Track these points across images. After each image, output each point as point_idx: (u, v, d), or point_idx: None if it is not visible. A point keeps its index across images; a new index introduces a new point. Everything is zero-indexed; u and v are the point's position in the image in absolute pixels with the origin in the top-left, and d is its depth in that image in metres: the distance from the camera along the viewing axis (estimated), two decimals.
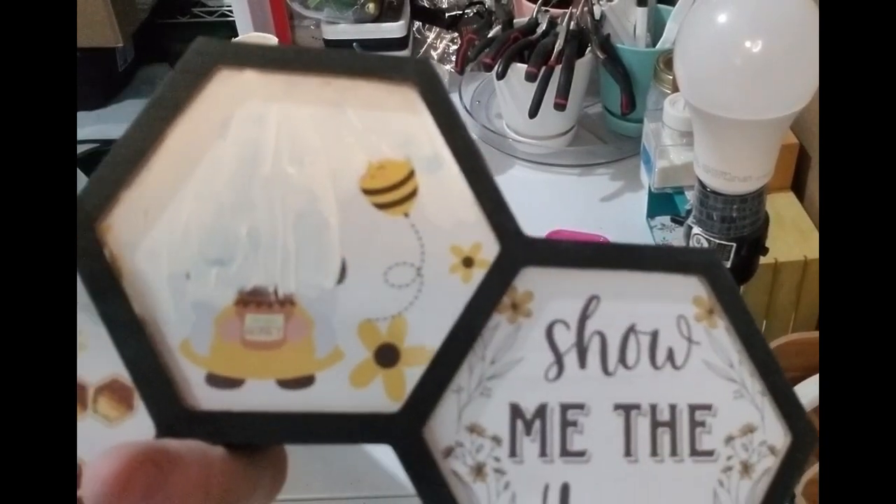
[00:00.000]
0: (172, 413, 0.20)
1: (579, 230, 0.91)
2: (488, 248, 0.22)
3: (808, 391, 0.52)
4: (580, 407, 0.22)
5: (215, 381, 0.21)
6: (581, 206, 1.01)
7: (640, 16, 1.03)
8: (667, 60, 0.96)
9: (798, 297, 0.75)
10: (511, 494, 0.21)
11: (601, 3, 1.03)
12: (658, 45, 1.05)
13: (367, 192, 0.22)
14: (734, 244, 0.51)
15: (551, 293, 0.22)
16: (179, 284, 0.21)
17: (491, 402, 0.22)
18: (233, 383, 0.21)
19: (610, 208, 1.01)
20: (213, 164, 0.21)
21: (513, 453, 0.22)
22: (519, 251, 0.22)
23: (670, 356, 0.23)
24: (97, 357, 0.21)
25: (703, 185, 0.50)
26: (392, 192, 0.22)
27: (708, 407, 0.24)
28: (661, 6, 1.08)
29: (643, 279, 0.23)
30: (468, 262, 0.22)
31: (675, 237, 0.93)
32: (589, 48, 1.04)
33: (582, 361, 0.22)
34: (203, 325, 0.21)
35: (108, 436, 0.21)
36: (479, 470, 0.21)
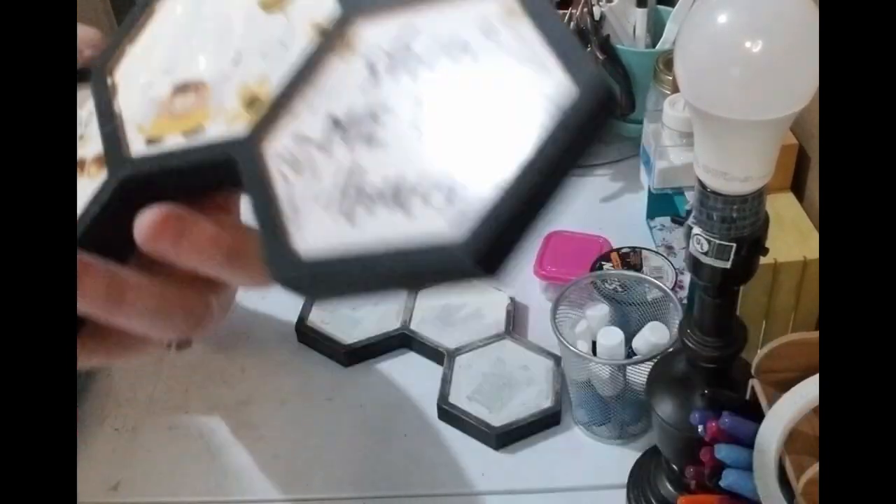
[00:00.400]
0: (121, 163, 0.31)
1: (579, 231, 0.91)
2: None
3: (807, 391, 0.52)
4: (387, 109, 0.26)
5: (149, 142, 0.31)
6: (581, 207, 1.01)
7: (639, 16, 1.03)
8: (666, 61, 0.96)
9: (798, 298, 0.75)
10: (320, 183, 0.27)
11: (601, 3, 1.03)
12: (658, 46, 1.05)
13: (261, 5, 0.31)
14: (734, 244, 0.51)
15: (374, 32, 0.27)
16: (145, 90, 0.32)
17: (315, 116, 0.27)
18: (158, 140, 0.31)
19: (610, 209, 1.01)
20: (176, 20, 0.33)
21: (323, 149, 0.27)
22: (351, 9, 0.28)
23: (470, 52, 0.26)
24: (93, 143, 0.32)
25: (703, 186, 0.50)
26: (277, 2, 0.31)
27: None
28: (660, 7, 1.08)
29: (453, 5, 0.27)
30: (322, 32, 0.29)
31: (676, 237, 0.93)
32: (588, 49, 1.04)
33: (395, 78, 0.26)
34: (150, 110, 0.31)
35: (89, 185, 0.32)
36: (296, 166, 0.27)
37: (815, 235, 0.75)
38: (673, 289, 0.74)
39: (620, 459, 0.72)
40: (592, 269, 0.80)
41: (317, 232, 0.27)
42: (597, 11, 1.04)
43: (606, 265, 0.80)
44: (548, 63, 0.25)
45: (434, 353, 0.82)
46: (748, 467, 0.52)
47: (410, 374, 0.82)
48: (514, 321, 0.85)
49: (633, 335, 0.72)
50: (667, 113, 0.89)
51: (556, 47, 0.25)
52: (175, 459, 0.75)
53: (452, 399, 0.76)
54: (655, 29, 1.06)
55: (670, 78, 0.94)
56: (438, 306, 0.86)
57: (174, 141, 0.30)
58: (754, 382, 0.56)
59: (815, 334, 0.54)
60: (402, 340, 0.84)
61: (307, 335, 0.84)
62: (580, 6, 1.04)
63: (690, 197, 0.87)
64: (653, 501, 0.67)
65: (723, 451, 0.53)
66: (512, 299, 0.86)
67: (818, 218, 0.78)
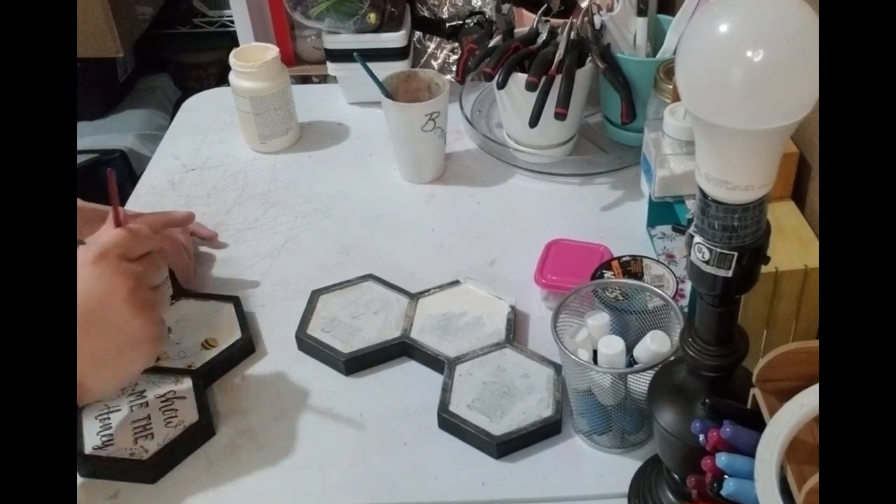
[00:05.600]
0: None
1: (580, 239, 0.91)
2: None
3: (809, 400, 0.52)
4: None
5: None
6: (581, 215, 1.01)
7: (640, 25, 1.04)
8: (667, 70, 0.96)
9: (799, 306, 0.75)
10: None
11: (601, 12, 1.03)
12: (658, 55, 1.05)
13: None
14: (735, 253, 0.51)
15: None
16: None
17: None
18: None
19: (610, 217, 1.01)
20: None
21: None
22: None
23: None
24: None
25: (704, 195, 0.50)
26: None
27: None
28: (661, 16, 1.08)
29: None
30: None
31: (677, 246, 0.93)
32: (589, 58, 1.04)
33: None
34: None
35: None
36: None
37: (816, 244, 0.75)
38: (674, 297, 0.74)
39: (621, 468, 0.72)
40: (593, 277, 0.80)
41: None
42: (597, 20, 1.04)
43: (607, 273, 0.80)
44: None
45: (434, 362, 0.82)
46: (749, 476, 0.51)
47: (410, 383, 0.82)
48: (515, 329, 0.84)
49: (634, 344, 0.72)
50: (667, 122, 0.89)
51: None
52: (174, 469, 0.74)
53: (453, 408, 0.76)
54: (656, 38, 1.06)
55: (671, 87, 0.94)
56: (439, 315, 0.86)
57: None
58: (755, 391, 0.56)
59: (816, 343, 0.54)
60: (402, 349, 0.84)
61: (307, 344, 0.84)
62: (581, 15, 1.05)
63: (691, 205, 0.87)
64: None
65: (724, 460, 0.53)
66: (512, 308, 0.86)
67: (819, 226, 0.78)
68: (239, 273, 0.94)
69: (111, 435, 0.76)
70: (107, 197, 0.78)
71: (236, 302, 0.89)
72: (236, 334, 0.85)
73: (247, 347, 0.85)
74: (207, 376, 0.82)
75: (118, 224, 0.77)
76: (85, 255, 0.69)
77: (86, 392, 0.68)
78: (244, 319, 0.87)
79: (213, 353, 0.83)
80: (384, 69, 1.06)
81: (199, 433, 0.76)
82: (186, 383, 0.80)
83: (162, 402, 0.79)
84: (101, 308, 0.67)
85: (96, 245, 0.70)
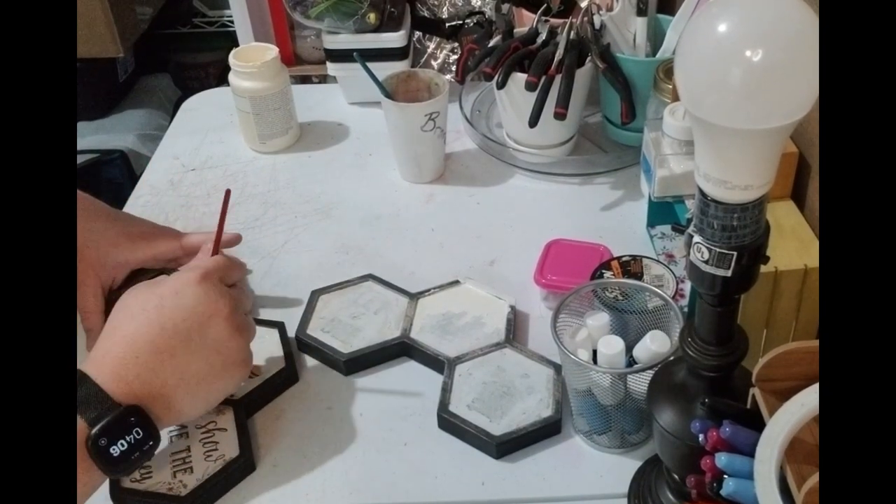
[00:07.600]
0: None
1: (579, 239, 0.91)
2: None
3: (809, 400, 0.52)
4: None
5: None
6: (581, 215, 1.01)
7: (639, 25, 1.04)
8: (667, 70, 0.96)
9: (798, 306, 0.75)
10: None
11: (601, 12, 1.03)
12: (658, 55, 1.05)
13: None
14: (735, 253, 0.51)
15: None
16: None
17: None
18: None
19: (610, 217, 1.01)
20: None
21: None
22: None
23: None
24: None
25: (703, 194, 0.50)
26: None
27: None
28: (660, 16, 1.08)
29: None
30: None
31: (676, 246, 0.93)
32: (589, 58, 1.04)
33: None
34: None
35: None
36: None
37: (816, 243, 0.75)
38: (674, 297, 0.74)
39: (621, 468, 0.72)
40: (593, 277, 0.80)
41: None
42: (597, 20, 1.04)
43: (607, 273, 0.80)
44: None
45: (434, 362, 0.82)
46: (749, 476, 0.51)
47: (410, 383, 0.82)
48: (515, 329, 0.84)
49: (634, 344, 0.72)
50: (667, 121, 0.89)
51: None
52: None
53: (452, 408, 0.76)
54: (656, 38, 1.06)
55: (670, 86, 0.94)
56: (439, 315, 0.86)
57: None
58: (755, 391, 0.56)
59: (816, 343, 0.54)
60: (401, 349, 0.84)
61: (307, 344, 0.84)
62: (580, 15, 1.05)
63: (691, 205, 0.87)
64: None
65: (723, 460, 0.53)
66: (512, 307, 0.86)
67: (819, 226, 0.78)
68: None
69: (149, 467, 0.72)
70: (221, 216, 0.80)
71: (281, 328, 0.85)
72: (279, 363, 0.81)
73: (291, 378, 0.82)
74: (250, 407, 0.78)
75: (217, 249, 0.79)
76: (189, 275, 0.71)
77: (174, 414, 0.68)
78: (288, 347, 0.83)
79: (255, 382, 0.79)
80: (384, 69, 1.06)
81: (239, 469, 0.73)
82: (228, 414, 0.76)
83: (203, 433, 0.75)
84: (204, 326, 0.69)
85: (200, 267, 0.72)
